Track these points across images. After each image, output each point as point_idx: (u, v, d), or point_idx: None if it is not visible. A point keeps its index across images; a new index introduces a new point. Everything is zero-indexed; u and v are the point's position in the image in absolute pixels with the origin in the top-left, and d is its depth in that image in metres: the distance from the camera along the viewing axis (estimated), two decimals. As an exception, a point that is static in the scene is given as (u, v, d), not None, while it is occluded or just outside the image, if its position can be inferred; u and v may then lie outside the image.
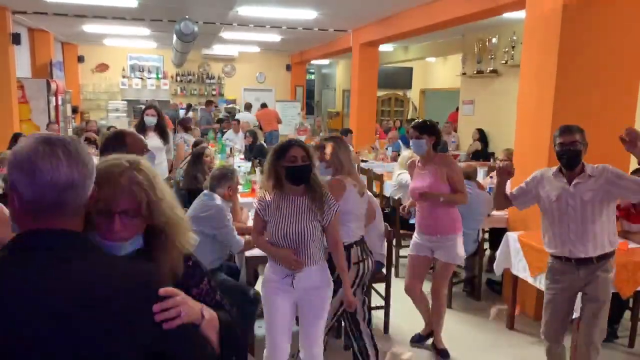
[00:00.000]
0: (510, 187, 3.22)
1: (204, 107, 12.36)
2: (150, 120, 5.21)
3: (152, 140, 5.00)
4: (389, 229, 3.94)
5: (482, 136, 9.07)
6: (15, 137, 7.30)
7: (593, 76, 4.04)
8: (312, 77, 18.19)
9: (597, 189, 2.86)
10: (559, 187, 2.94)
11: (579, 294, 3.00)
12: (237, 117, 11.64)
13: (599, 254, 2.90)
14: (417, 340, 3.87)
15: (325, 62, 16.75)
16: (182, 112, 12.73)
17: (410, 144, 3.67)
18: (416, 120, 3.91)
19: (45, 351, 0.97)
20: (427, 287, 3.86)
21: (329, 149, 3.13)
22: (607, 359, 3.68)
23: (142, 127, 5.17)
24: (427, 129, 3.51)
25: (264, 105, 12.47)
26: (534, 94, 4.28)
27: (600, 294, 2.93)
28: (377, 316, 4.16)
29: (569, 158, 2.88)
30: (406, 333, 3.94)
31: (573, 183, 2.90)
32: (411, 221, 4.32)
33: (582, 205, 2.88)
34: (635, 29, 4.08)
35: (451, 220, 3.57)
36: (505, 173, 3.05)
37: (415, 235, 3.73)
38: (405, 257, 4.22)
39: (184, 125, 8.07)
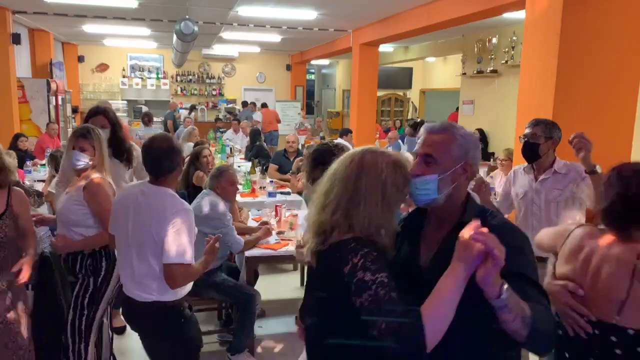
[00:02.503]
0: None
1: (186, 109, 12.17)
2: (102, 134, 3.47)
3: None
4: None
5: (482, 136, 9.07)
6: (16, 137, 7.32)
7: (593, 76, 4.04)
8: (312, 77, 18.19)
9: (563, 188, 2.82)
10: (526, 183, 2.94)
11: None
12: (254, 117, 11.63)
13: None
14: None
15: (325, 62, 16.75)
16: (183, 113, 12.77)
17: (404, 141, 3.64)
18: (411, 119, 3.90)
19: None
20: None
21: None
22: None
23: None
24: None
25: (264, 105, 12.48)
26: (534, 94, 4.29)
27: None
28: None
29: (524, 150, 2.88)
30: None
31: (539, 179, 2.88)
32: None
33: (546, 204, 2.85)
34: (635, 29, 4.08)
35: None
36: (480, 190, 2.82)
37: None
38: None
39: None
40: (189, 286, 2.43)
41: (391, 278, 1.34)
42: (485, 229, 1.22)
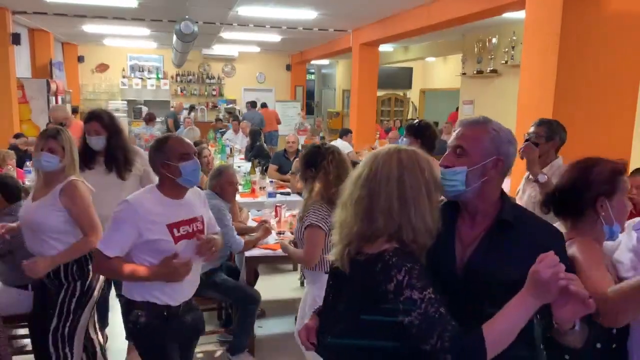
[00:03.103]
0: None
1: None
2: (95, 141, 3.18)
3: (97, 176, 3.09)
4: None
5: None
6: (17, 137, 7.31)
7: (593, 76, 4.04)
8: (312, 77, 18.18)
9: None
10: (524, 180, 3.00)
11: None
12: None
13: None
14: None
15: (325, 62, 16.74)
16: (183, 113, 12.77)
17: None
18: (410, 120, 3.90)
19: None
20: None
21: None
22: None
23: (86, 154, 3.17)
24: (412, 129, 3.32)
25: (264, 105, 12.48)
26: (534, 94, 4.28)
27: None
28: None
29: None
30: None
31: (525, 177, 2.94)
32: None
33: (526, 202, 2.89)
34: (635, 29, 4.08)
35: None
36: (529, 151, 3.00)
37: None
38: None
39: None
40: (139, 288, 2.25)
41: (437, 291, 1.30)
42: (562, 267, 1.19)
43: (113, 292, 3.57)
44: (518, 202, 3.03)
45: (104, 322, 3.62)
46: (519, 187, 3.14)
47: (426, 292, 1.28)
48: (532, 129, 2.93)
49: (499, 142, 1.46)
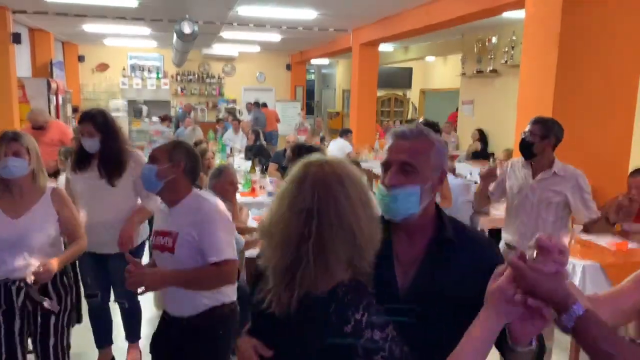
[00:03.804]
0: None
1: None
2: (88, 143, 2.99)
3: (89, 180, 3.00)
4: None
5: (481, 136, 9.08)
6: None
7: (593, 76, 4.05)
8: (312, 77, 18.19)
9: (559, 191, 2.87)
10: (522, 177, 2.99)
11: None
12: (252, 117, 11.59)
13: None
14: None
15: (325, 62, 16.74)
16: (181, 112, 12.79)
17: None
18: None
19: None
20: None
21: None
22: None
23: (81, 156, 3.06)
24: (433, 129, 3.45)
25: (263, 105, 12.49)
26: (534, 94, 4.29)
27: None
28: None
29: (520, 147, 2.94)
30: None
31: (537, 178, 2.92)
32: None
33: (539, 202, 2.91)
34: (635, 29, 4.08)
35: None
36: (490, 175, 3.12)
37: None
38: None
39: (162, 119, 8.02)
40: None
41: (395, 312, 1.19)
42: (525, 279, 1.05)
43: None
44: (497, 192, 3.19)
45: (108, 337, 3.40)
46: (505, 173, 3.19)
47: (388, 329, 1.15)
48: (527, 128, 2.96)
49: (443, 153, 1.36)
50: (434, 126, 3.58)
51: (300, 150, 2.78)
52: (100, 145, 2.98)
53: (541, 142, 2.87)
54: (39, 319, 2.43)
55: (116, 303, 3.32)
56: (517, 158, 3.16)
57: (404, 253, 1.36)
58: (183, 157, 2.18)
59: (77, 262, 2.93)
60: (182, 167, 2.16)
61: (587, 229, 3.23)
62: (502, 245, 3.18)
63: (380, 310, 1.17)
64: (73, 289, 2.57)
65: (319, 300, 1.17)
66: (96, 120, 2.99)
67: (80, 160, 3.05)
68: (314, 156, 1.27)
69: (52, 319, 2.46)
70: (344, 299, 1.16)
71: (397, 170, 1.31)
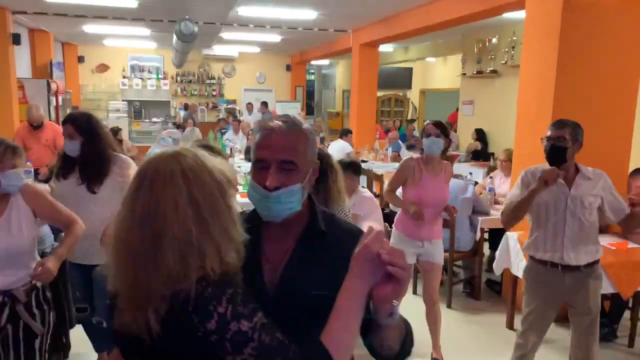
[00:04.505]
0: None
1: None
2: (69, 146, 2.84)
3: (69, 188, 2.85)
4: (389, 229, 3.93)
5: (481, 136, 9.08)
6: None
7: (593, 76, 4.05)
8: (312, 77, 18.19)
9: (596, 194, 2.72)
10: (553, 189, 2.71)
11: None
12: (251, 118, 11.59)
13: (588, 262, 2.76)
14: None
15: (325, 62, 16.75)
16: (181, 112, 12.78)
17: (426, 142, 3.37)
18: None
19: None
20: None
21: None
22: (607, 359, 3.68)
23: (65, 162, 2.91)
24: (445, 129, 3.39)
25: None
26: (534, 94, 4.29)
27: (591, 305, 2.78)
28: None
29: (551, 153, 2.66)
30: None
31: (575, 185, 2.72)
32: None
33: (582, 210, 2.71)
34: (635, 29, 4.08)
35: (440, 224, 3.57)
36: (552, 180, 2.69)
37: (398, 241, 3.54)
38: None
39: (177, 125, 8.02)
40: None
41: (265, 313, 1.09)
42: (388, 242, 1.06)
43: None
44: (499, 191, 2.97)
45: (107, 345, 3.08)
46: (524, 185, 2.84)
47: (256, 318, 1.07)
48: (553, 132, 2.68)
49: (315, 145, 1.30)
50: (444, 128, 3.40)
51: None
52: (81, 149, 2.81)
53: (572, 146, 2.67)
54: (20, 342, 2.23)
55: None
56: (532, 168, 2.86)
57: (274, 250, 1.29)
58: None
59: (64, 277, 2.67)
60: None
61: (626, 228, 3.02)
62: (529, 263, 2.94)
63: (247, 297, 1.09)
64: (56, 304, 2.43)
65: (175, 306, 1.07)
66: (78, 122, 2.83)
67: (64, 166, 2.88)
68: (164, 150, 1.18)
69: (37, 344, 2.28)
70: (203, 293, 1.06)
71: (277, 169, 1.22)
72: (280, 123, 1.25)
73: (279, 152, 1.22)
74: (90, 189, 2.81)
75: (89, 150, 2.81)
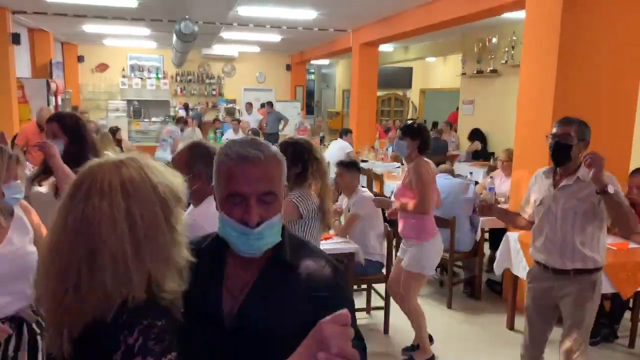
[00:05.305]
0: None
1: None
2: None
3: (42, 196, 2.58)
4: (389, 229, 3.94)
5: (478, 136, 9.08)
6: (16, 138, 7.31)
7: (593, 76, 4.04)
8: (312, 77, 18.19)
9: (584, 198, 2.54)
10: (545, 188, 2.68)
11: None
12: (251, 118, 11.59)
13: (577, 267, 2.60)
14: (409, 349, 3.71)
15: (325, 62, 16.74)
16: (181, 112, 12.77)
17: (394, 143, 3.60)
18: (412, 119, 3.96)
19: None
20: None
21: None
22: (607, 359, 3.68)
23: (46, 167, 2.62)
24: (409, 130, 3.38)
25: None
26: (534, 94, 4.28)
27: (573, 313, 2.62)
28: (377, 316, 4.16)
29: (555, 151, 2.57)
30: (406, 334, 3.94)
31: (560, 186, 2.61)
32: None
33: (563, 213, 2.59)
34: (635, 29, 4.07)
35: (413, 226, 3.46)
36: (487, 209, 2.87)
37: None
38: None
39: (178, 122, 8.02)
40: None
41: (183, 355, 1.01)
42: (349, 332, 0.92)
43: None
44: (528, 208, 2.86)
45: None
46: (531, 187, 2.84)
47: (166, 357, 0.97)
48: (558, 129, 2.59)
49: (285, 165, 1.22)
50: (410, 130, 3.39)
51: (286, 146, 2.68)
52: (64, 151, 2.58)
53: (577, 144, 2.55)
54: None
55: None
56: (541, 169, 2.82)
57: (236, 280, 1.20)
58: (202, 166, 2.07)
59: None
60: (204, 175, 2.05)
61: (618, 228, 2.80)
62: (533, 263, 2.91)
63: (166, 332, 1.00)
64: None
65: (90, 329, 1.00)
66: (64, 121, 2.68)
67: (45, 170, 2.62)
68: (107, 157, 1.10)
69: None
70: (117, 320, 0.98)
71: (257, 203, 1.12)
72: (255, 151, 1.13)
73: (260, 184, 1.12)
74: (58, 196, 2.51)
75: (69, 151, 2.59)
